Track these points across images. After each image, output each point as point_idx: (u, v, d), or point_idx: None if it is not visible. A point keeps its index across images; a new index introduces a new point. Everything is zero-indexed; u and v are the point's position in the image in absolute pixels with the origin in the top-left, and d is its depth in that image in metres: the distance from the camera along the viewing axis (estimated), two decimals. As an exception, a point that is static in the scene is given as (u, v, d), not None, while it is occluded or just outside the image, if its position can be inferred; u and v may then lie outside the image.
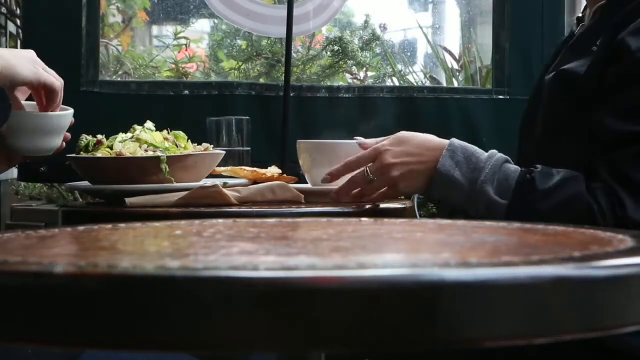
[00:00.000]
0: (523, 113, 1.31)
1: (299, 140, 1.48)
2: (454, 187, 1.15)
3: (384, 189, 1.22)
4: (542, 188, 1.09)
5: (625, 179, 1.06)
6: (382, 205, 1.26)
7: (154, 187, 1.28)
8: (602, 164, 1.07)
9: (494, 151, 1.16)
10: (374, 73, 3.04)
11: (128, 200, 1.24)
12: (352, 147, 1.31)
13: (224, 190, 1.25)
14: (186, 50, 3.07)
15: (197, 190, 1.24)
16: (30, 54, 1.22)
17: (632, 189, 1.05)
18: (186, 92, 2.45)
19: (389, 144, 1.20)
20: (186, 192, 1.24)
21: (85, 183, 1.40)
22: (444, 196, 1.20)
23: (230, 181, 1.37)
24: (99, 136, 1.38)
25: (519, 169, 1.13)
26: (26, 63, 1.19)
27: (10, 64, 1.16)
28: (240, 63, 2.91)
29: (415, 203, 1.62)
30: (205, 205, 1.23)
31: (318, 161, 1.39)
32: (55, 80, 1.21)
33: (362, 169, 1.22)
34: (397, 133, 1.22)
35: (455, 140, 1.18)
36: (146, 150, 1.33)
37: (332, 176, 1.25)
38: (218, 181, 1.32)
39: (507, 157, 1.16)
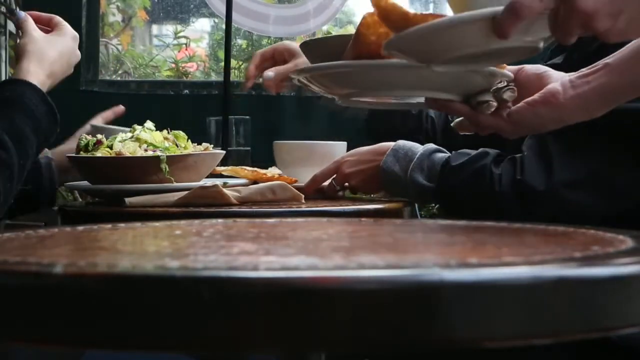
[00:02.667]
0: None
1: (275, 142, 1.56)
2: (396, 181, 1.27)
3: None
4: (454, 164, 1.18)
5: (540, 148, 1.08)
6: (382, 206, 1.26)
7: (154, 187, 1.28)
8: (530, 135, 1.11)
9: (429, 144, 1.26)
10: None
11: (128, 200, 1.24)
12: (323, 147, 1.41)
13: (224, 190, 1.25)
14: (186, 49, 3.07)
15: (197, 190, 1.24)
16: (73, 56, 1.31)
17: (542, 157, 1.08)
18: (186, 91, 2.45)
19: (347, 154, 1.38)
20: (186, 192, 1.24)
21: (85, 183, 1.40)
22: (392, 191, 1.33)
23: (230, 181, 1.37)
24: (99, 136, 1.38)
25: (445, 157, 1.22)
26: (67, 71, 1.29)
27: (56, 80, 1.26)
28: (240, 63, 2.91)
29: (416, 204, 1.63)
30: (205, 205, 1.23)
31: (289, 161, 1.53)
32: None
33: (329, 181, 1.39)
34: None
35: (401, 142, 1.29)
36: (146, 150, 1.33)
37: (306, 190, 1.38)
38: (218, 181, 1.32)
39: (439, 147, 1.25)
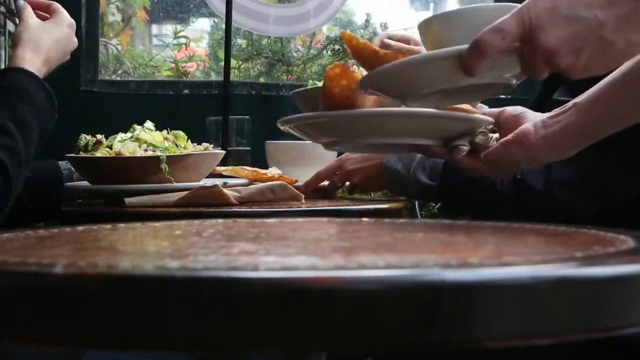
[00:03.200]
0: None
1: (267, 141, 1.57)
2: (399, 179, 1.27)
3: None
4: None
5: None
6: (382, 206, 1.26)
7: (154, 187, 1.28)
8: None
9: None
10: (374, 72, 3.04)
11: (127, 200, 1.24)
12: (315, 147, 1.42)
13: (224, 190, 1.25)
14: (186, 49, 3.07)
15: (197, 190, 1.24)
16: (69, 43, 1.31)
17: None
18: (186, 91, 2.45)
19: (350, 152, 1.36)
20: (186, 192, 1.24)
21: (85, 183, 1.39)
22: (394, 189, 1.33)
23: (230, 181, 1.37)
24: (99, 136, 1.38)
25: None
26: (62, 58, 1.29)
27: (52, 67, 1.26)
28: (240, 62, 2.91)
29: (416, 203, 1.63)
30: (205, 205, 1.23)
31: (282, 161, 1.56)
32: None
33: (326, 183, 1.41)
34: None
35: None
36: (146, 150, 1.33)
37: (306, 188, 1.38)
38: (218, 181, 1.32)
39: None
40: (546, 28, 0.75)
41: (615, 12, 0.73)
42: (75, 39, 1.33)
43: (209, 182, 1.31)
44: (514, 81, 0.88)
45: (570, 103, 0.94)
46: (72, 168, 1.44)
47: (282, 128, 1.06)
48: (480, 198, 1.17)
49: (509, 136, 0.96)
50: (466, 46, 0.80)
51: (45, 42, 1.26)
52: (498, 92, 0.94)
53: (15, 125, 1.12)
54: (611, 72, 0.89)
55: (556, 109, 0.96)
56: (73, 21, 1.34)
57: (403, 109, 1.01)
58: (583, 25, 0.74)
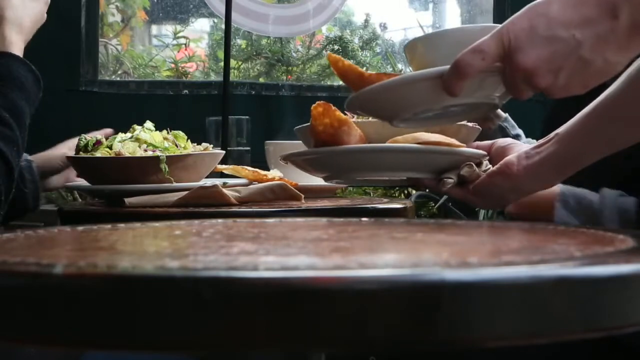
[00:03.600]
0: (545, 116, 1.29)
1: (267, 141, 1.57)
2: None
3: None
4: None
5: None
6: (382, 206, 1.26)
7: (154, 187, 1.28)
8: None
9: (605, 189, 1.12)
10: (374, 72, 3.04)
11: (127, 200, 1.24)
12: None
13: (224, 190, 1.25)
14: (186, 49, 3.07)
15: (197, 190, 1.24)
16: (42, 20, 1.32)
17: None
18: (186, 91, 2.45)
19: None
20: (186, 192, 1.24)
21: (85, 183, 1.39)
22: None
23: (230, 181, 1.37)
24: (98, 136, 1.38)
25: (635, 199, 1.09)
26: (36, 24, 1.29)
27: (29, 35, 1.27)
28: (240, 62, 2.91)
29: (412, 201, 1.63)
30: (205, 205, 1.23)
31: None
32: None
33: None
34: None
35: (564, 188, 1.14)
36: (146, 150, 1.33)
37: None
38: (218, 181, 1.32)
39: (619, 191, 1.12)
40: (525, 48, 0.76)
41: (593, 31, 0.74)
42: (45, 15, 1.34)
43: (209, 182, 1.31)
44: (499, 100, 0.89)
45: (552, 134, 0.95)
46: (30, 158, 1.43)
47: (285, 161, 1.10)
48: None
49: (495, 167, 0.98)
50: (448, 67, 0.80)
51: (26, 22, 1.28)
52: (484, 113, 0.95)
53: (10, 114, 1.14)
54: (596, 93, 0.89)
55: (541, 139, 0.97)
56: None
57: (387, 144, 1.05)
58: (561, 45, 0.75)
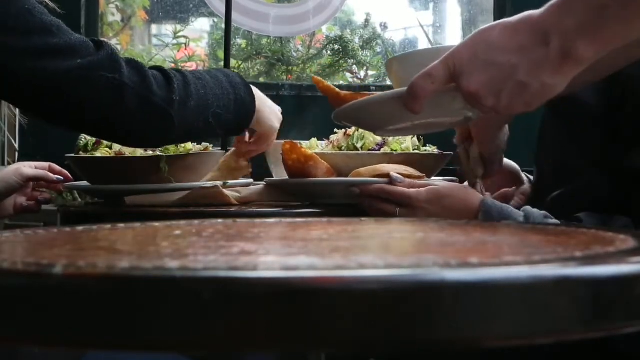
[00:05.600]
0: (538, 130, 1.29)
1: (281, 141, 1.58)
2: None
3: None
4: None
5: None
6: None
7: (154, 187, 1.28)
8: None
9: (528, 208, 1.13)
10: (374, 72, 3.04)
11: (128, 199, 1.24)
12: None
13: (225, 190, 1.25)
14: (186, 49, 3.07)
15: (198, 190, 1.24)
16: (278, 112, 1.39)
17: None
18: (186, 91, 2.45)
19: (425, 200, 1.22)
20: (187, 192, 1.24)
21: (85, 183, 1.39)
22: None
23: (230, 181, 1.37)
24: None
25: (559, 222, 1.07)
26: (272, 118, 1.36)
27: (262, 114, 1.33)
28: (240, 62, 2.91)
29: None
30: (205, 206, 1.23)
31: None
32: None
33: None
34: (432, 187, 1.22)
35: (487, 200, 1.19)
36: (146, 150, 1.33)
37: (362, 192, 1.27)
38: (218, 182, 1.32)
39: (545, 212, 1.12)
40: (467, 73, 0.82)
41: (527, 57, 0.79)
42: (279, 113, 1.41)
43: (209, 182, 1.31)
44: (471, 114, 0.94)
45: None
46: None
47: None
48: None
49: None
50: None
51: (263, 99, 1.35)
52: (459, 125, 1.02)
53: (195, 78, 1.19)
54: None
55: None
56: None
57: (341, 179, 1.27)
58: (499, 70, 0.80)
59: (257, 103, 1.28)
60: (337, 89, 1.05)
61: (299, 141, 1.41)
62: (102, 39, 1.15)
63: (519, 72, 0.80)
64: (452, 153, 1.36)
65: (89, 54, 1.08)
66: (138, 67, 1.13)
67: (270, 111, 1.34)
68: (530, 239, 0.65)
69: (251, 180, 1.50)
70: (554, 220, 1.09)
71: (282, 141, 1.57)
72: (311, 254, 0.53)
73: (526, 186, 1.40)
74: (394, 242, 0.64)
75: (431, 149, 1.39)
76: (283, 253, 0.54)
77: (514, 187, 1.34)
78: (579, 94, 1.13)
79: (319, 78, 1.10)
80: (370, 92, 1.00)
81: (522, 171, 1.45)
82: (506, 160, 1.37)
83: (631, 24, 0.76)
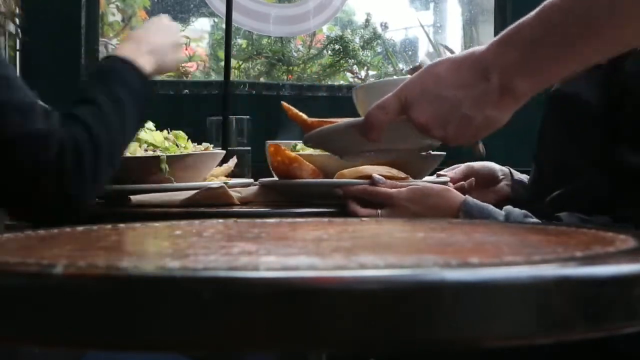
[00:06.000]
0: (538, 131, 1.29)
1: (267, 142, 1.58)
2: None
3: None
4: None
5: None
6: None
7: (154, 187, 1.28)
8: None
9: (509, 207, 1.15)
10: (375, 72, 3.04)
11: (133, 197, 1.24)
12: None
13: (229, 191, 1.25)
14: (186, 49, 3.07)
15: (204, 191, 1.24)
16: (172, 34, 1.34)
17: None
18: (186, 91, 2.45)
19: (406, 198, 1.23)
20: (194, 192, 1.24)
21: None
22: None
23: (231, 181, 1.37)
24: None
25: (539, 222, 1.08)
26: (173, 55, 1.31)
27: (163, 62, 1.28)
28: (240, 62, 2.91)
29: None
30: (205, 206, 1.23)
31: None
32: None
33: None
34: (414, 186, 1.24)
35: (469, 199, 1.20)
36: (146, 150, 1.33)
37: (344, 193, 1.28)
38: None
39: (525, 211, 1.13)
40: (416, 106, 0.87)
41: (470, 92, 0.84)
42: (178, 31, 1.38)
43: (215, 182, 1.31)
44: (430, 141, 0.98)
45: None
46: None
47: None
48: None
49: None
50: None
51: (142, 33, 1.31)
52: (424, 150, 1.07)
53: (111, 100, 1.14)
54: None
55: None
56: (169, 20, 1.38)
57: (324, 180, 1.30)
58: (445, 103, 0.85)
59: (151, 65, 1.25)
60: (304, 117, 1.13)
61: (295, 141, 1.42)
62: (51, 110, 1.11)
63: (463, 106, 0.85)
64: (443, 153, 1.35)
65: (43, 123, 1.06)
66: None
67: (163, 52, 1.30)
68: (530, 239, 0.65)
69: (251, 180, 1.50)
70: (534, 220, 1.09)
71: (282, 141, 1.57)
72: (311, 254, 0.53)
73: (502, 184, 1.41)
74: (394, 242, 0.64)
75: None
76: (283, 253, 0.54)
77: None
78: (579, 93, 1.14)
79: (288, 105, 1.16)
80: (334, 120, 1.07)
81: (517, 169, 1.45)
82: (475, 164, 1.40)
83: (563, 62, 0.81)
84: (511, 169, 1.46)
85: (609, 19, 0.75)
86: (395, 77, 0.97)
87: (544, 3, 0.79)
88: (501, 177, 1.44)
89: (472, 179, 1.39)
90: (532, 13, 0.80)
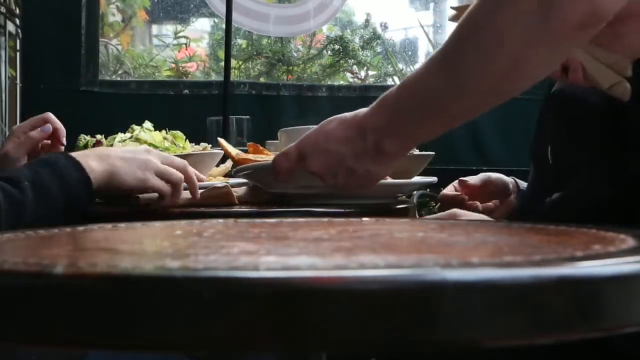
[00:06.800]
0: (535, 131, 1.29)
1: (267, 142, 1.58)
2: None
3: None
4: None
5: None
6: (382, 201, 1.26)
7: (154, 187, 1.28)
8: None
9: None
10: (375, 72, 3.04)
11: (141, 196, 1.24)
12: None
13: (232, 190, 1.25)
14: (186, 49, 3.07)
15: (209, 191, 1.24)
16: (146, 156, 1.18)
17: None
18: (186, 91, 2.45)
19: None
20: (200, 191, 1.24)
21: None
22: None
23: (231, 180, 1.37)
24: (98, 136, 1.38)
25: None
26: (134, 169, 1.16)
27: (116, 169, 1.14)
28: (240, 62, 2.91)
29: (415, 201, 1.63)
30: (206, 206, 1.23)
31: None
32: (163, 187, 1.18)
33: None
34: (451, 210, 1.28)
35: None
36: (146, 150, 1.33)
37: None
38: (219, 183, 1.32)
39: None
40: (310, 157, 0.97)
41: (352, 148, 0.94)
42: (151, 159, 1.19)
43: (219, 182, 1.31)
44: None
45: None
46: None
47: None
48: None
49: None
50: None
51: (111, 150, 1.19)
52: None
53: (31, 184, 1.06)
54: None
55: None
56: (150, 149, 1.25)
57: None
58: (332, 157, 0.95)
59: (101, 170, 1.12)
60: (232, 153, 1.22)
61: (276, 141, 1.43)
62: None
63: (347, 160, 0.94)
64: (431, 153, 1.34)
65: None
66: None
67: (121, 165, 1.16)
68: (531, 239, 0.65)
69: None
70: None
71: (273, 141, 1.58)
72: (312, 254, 0.53)
73: (511, 198, 1.41)
74: (394, 242, 0.64)
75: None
76: (283, 253, 0.54)
77: (496, 201, 1.37)
78: (581, 94, 1.13)
79: (221, 140, 1.24)
80: (257, 159, 1.18)
81: (514, 173, 1.45)
82: (492, 175, 1.40)
83: (428, 126, 0.90)
84: (516, 179, 1.46)
85: (450, 96, 0.85)
86: (313, 126, 1.03)
87: (410, 73, 0.93)
88: (512, 189, 1.44)
89: (497, 201, 1.40)
90: (400, 82, 0.91)
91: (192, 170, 1.22)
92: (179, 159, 1.22)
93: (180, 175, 1.19)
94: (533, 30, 0.78)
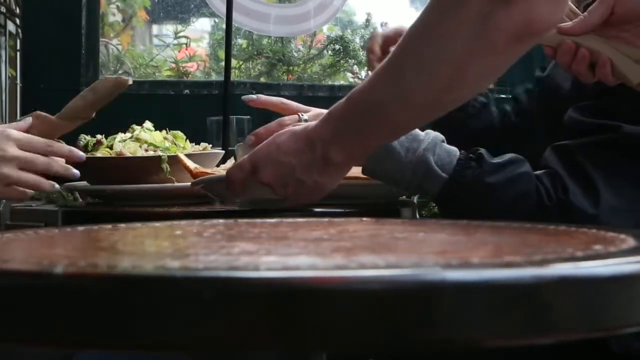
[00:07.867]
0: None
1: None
2: (390, 156, 1.06)
3: None
4: (492, 162, 1.05)
5: (573, 167, 1.05)
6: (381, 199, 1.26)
7: (155, 187, 1.28)
8: (553, 151, 1.07)
9: (429, 130, 1.11)
10: (374, 72, 3.03)
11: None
12: None
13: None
14: (186, 49, 3.07)
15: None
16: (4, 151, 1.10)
17: (581, 177, 1.05)
18: (186, 91, 2.45)
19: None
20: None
21: (85, 183, 1.39)
22: (379, 167, 1.09)
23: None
24: (98, 136, 1.37)
25: (456, 148, 1.07)
26: None
27: None
28: (241, 62, 2.91)
29: (415, 200, 1.63)
30: (206, 206, 1.23)
31: None
32: (29, 178, 1.13)
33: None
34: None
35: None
36: (146, 150, 1.33)
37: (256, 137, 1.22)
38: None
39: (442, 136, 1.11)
40: (262, 168, 0.99)
41: (301, 159, 0.95)
42: (7, 150, 1.11)
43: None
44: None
45: None
46: None
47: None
48: (518, 209, 1.03)
49: None
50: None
51: None
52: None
53: None
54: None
55: None
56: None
57: None
58: (283, 168, 0.97)
59: None
60: (191, 167, 1.21)
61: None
62: None
63: (297, 171, 0.96)
64: None
65: None
66: None
67: None
68: (531, 239, 0.65)
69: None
70: (451, 146, 1.07)
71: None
72: (312, 254, 0.53)
73: None
74: (394, 242, 0.64)
75: None
76: (283, 253, 0.54)
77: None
78: (561, 82, 1.16)
79: (181, 156, 1.23)
80: (212, 172, 1.21)
81: None
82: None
83: (370, 136, 0.92)
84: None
85: (394, 107, 0.87)
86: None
87: (358, 85, 0.92)
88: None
89: None
90: (348, 94, 0.91)
91: (57, 146, 1.15)
92: (37, 139, 1.13)
93: (44, 160, 1.13)
94: (472, 41, 0.80)
